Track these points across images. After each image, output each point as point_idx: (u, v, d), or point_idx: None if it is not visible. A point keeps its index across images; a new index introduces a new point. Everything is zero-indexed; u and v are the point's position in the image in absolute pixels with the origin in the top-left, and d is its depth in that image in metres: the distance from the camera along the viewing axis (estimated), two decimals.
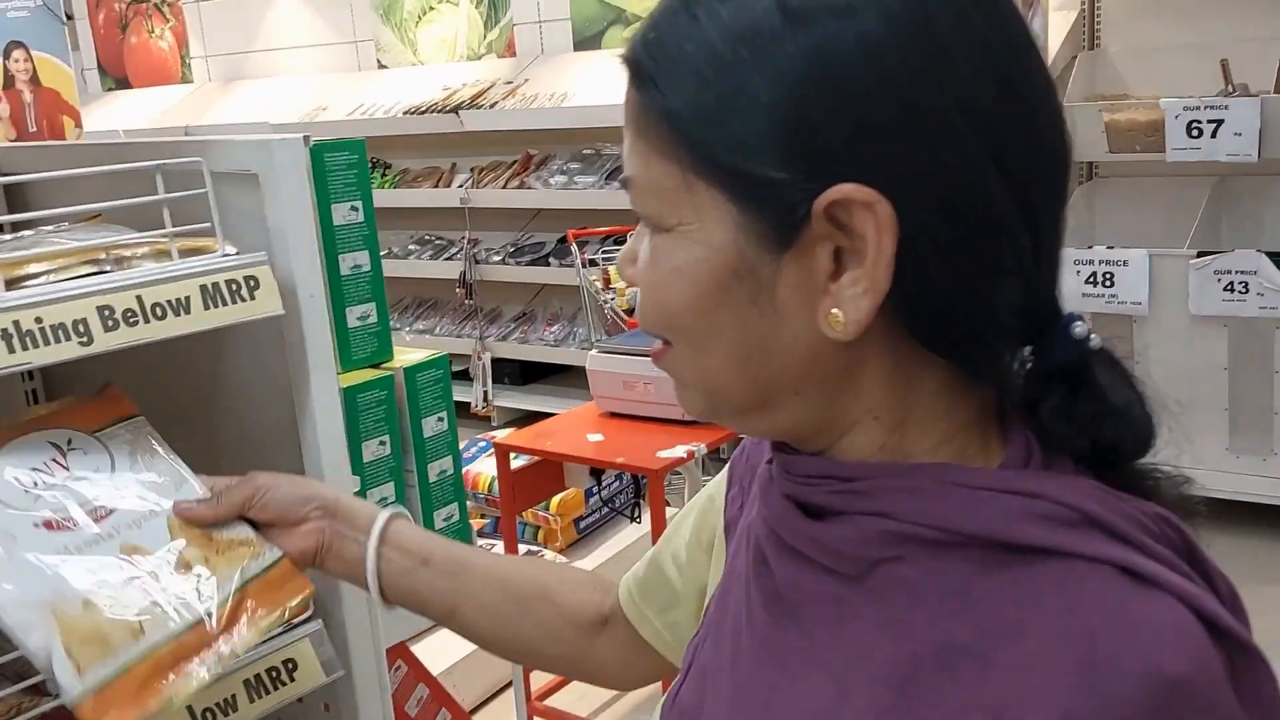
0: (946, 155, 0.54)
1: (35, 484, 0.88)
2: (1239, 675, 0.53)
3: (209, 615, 0.85)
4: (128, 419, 0.96)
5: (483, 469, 3.24)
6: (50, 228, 1.03)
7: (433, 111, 5.06)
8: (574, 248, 3.27)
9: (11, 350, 0.82)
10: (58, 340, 0.85)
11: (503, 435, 2.77)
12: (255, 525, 0.91)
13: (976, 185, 0.55)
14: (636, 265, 0.63)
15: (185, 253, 0.95)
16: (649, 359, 2.43)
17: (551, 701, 2.69)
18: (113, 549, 0.86)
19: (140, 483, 0.91)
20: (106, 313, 0.87)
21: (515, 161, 5.10)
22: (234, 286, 0.93)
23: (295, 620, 1.01)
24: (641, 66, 0.59)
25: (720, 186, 0.57)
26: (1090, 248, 3.48)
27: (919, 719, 0.55)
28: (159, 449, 0.95)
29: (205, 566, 0.87)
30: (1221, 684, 0.52)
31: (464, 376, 5.01)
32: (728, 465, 0.82)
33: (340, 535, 0.91)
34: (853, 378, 0.59)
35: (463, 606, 0.91)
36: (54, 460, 0.90)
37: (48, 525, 0.85)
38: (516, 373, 5.15)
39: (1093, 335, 0.60)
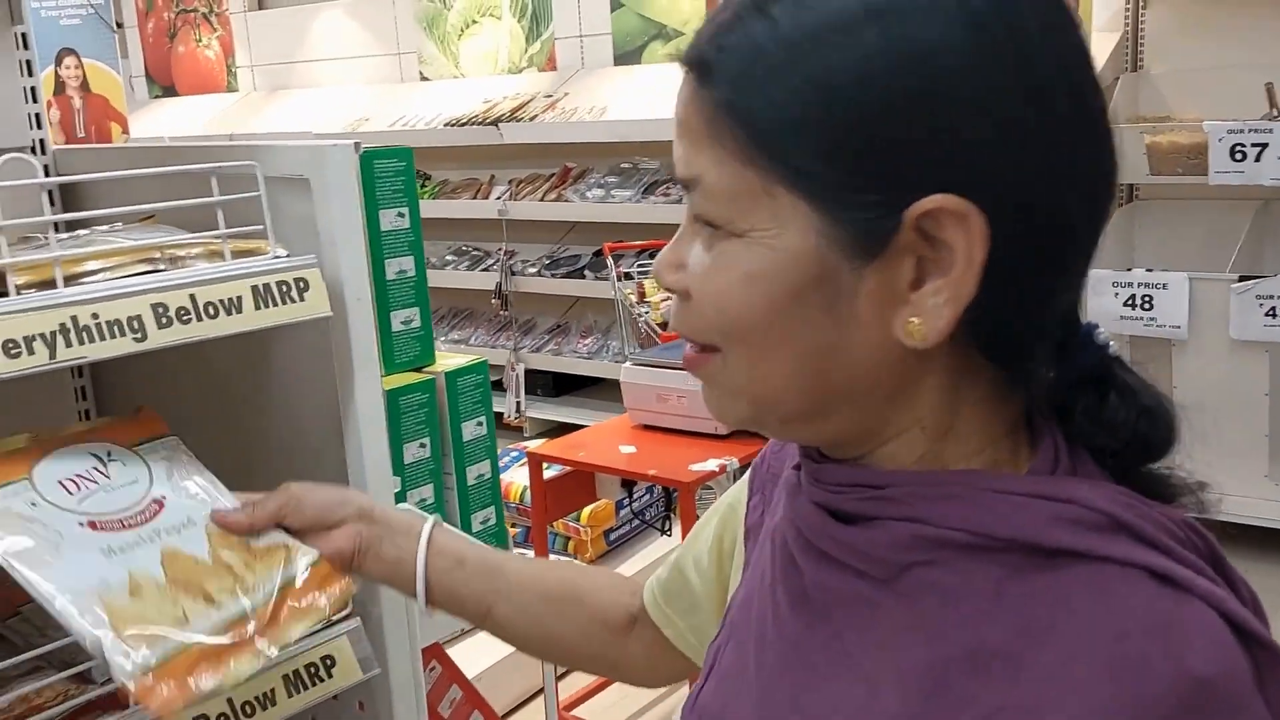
0: (1031, 164, 0.55)
1: (79, 488, 0.90)
2: (1265, 678, 0.54)
3: (251, 611, 0.87)
4: (161, 437, 0.99)
5: (514, 478, 3.26)
6: (105, 228, 1.06)
7: (473, 124, 5.11)
8: (610, 261, 3.29)
9: (69, 344, 0.85)
10: (113, 336, 0.87)
11: (535, 445, 2.79)
12: (291, 534, 0.93)
13: (1055, 193, 0.56)
14: (686, 271, 0.61)
15: (237, 254, 0.97)
16: (683, 372, 2.42)
17: (581, 710, 2.70)
18: (155, 552, 0.88)
19: (176, 493, 0.93)
20: (160, 310, 0.89)
21: (553, 174, 5.13)
22: (284, 288, 0.95)
23: (336, 617, 1.03)
24: (715, 68, 0.58)
25: (804, 194, 0.56)
26: (1130, 270, 3.46)
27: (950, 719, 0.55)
28: (192, 465, 0.97)
29: (245, 569, 0.89)
30: (1249, 686, 0.53)
31: (497, 387, 5.04)
32: (749, 473, 0.82)
33: (378, 537, 0.92)
34: (910, 386, 0.60)
35: (497, 607, 0.93)
36: (95, 469, 0.92)
37: (91, 525, 0.88)
38: (549, 384, 5.17)
39: (1110, 341, 0.61)
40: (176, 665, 0.81)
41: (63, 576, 0.83)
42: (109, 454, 0.94)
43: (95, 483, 0.91)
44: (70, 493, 0.89)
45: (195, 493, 0.94)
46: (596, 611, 0.94)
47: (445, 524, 0.96)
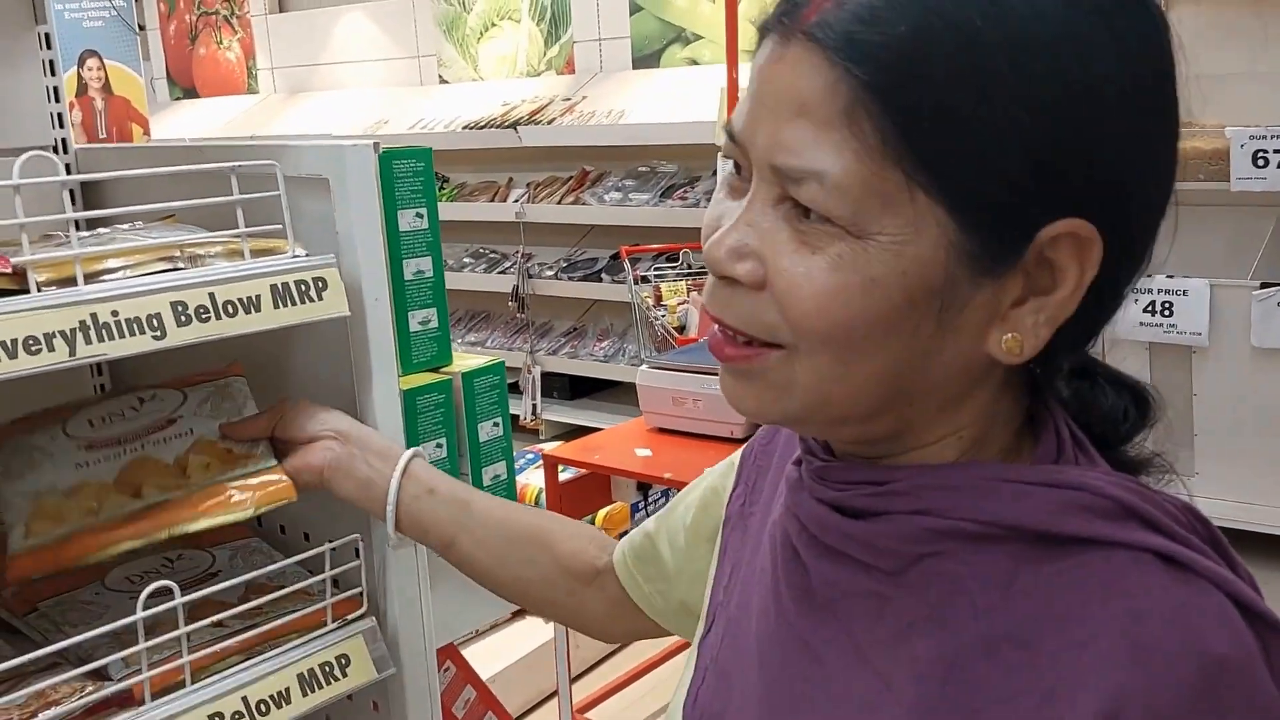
0: (1157, 196, 0.57)
1: (107, 421, 0.99)
2: (1271, 656, 0.54)
3: (171, 501, 0.94)
4: (225, 379, 1.05)
5: (529, 480, 3.26)
6: (125, 226, 1.06)
7: (491, 126, 5.12)
8: (626, 264, 3.29)
9: (89, 341, 0.85)
10: (132, 333, 0.87)
11: (550, 448, 2.79)
12: (276, 446, 1.00)
13: (1155, 218, 0.58)
14: (764, 263, 0.57)
15: (256, 253, 0.97)
16: (699, 375, 2.41)
17: (595, 713, 2.69)
18: (122, 460, 0.97)
19: (197, 414, 1.01)
20: (180, 308, 0.89)
21: (571, 177, 5.14)
22: (303, 287, 0.95)
23: (351, 616, 1.03)
24: (857, 43, 0.52)
25: (948, 203, 0.53)
26: (1149, 276, 3.43)
27: (966, 707, 0.56)
28: (238, 394, 1.03)
29: (201, 470, 0.97)
30: (1259, 663, 0.53)
31: (513, 389, 5.04)
32: (738, 463, 0.82)
33: (352, 456, 0.96)
34: (966, 397, 0.60)
35: (460, 539, 0.95)
36: (131, 407, 1.00)
37: (88, 446, 0.97)
38: (565, 387, 5.18)
39: None
40: (64, 545, 0.91)
41: (21, 486, 0.94)
42: (153, 395, 1.02)
43: (122, 415, 0.99)
44: (93, 426, 0.98)
45: (215, 414, 1.01)
46: (560, 557, 0.95)
47: (423, 458, 0.99)
